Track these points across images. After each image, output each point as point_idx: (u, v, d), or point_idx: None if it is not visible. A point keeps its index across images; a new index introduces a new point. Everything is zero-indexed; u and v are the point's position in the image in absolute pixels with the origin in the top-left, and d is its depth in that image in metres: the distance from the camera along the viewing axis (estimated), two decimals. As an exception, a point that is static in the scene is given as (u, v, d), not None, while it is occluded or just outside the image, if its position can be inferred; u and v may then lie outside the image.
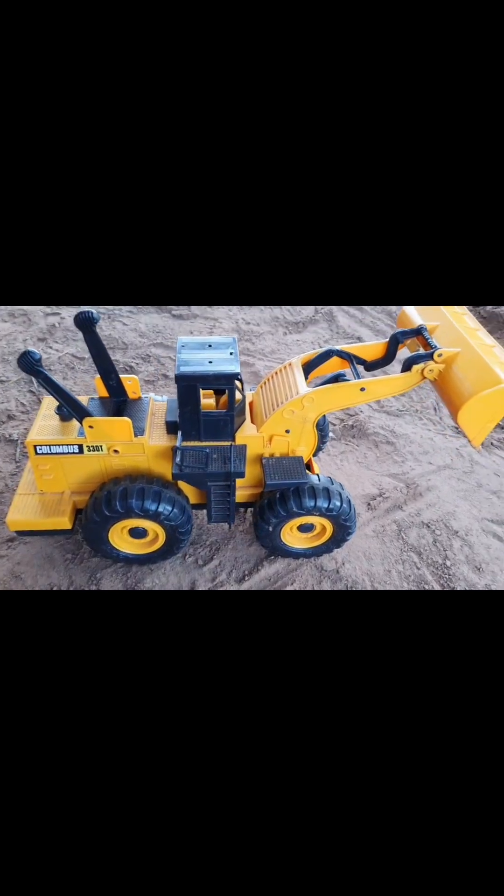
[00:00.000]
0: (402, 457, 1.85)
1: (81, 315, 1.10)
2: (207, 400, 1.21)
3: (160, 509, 1.18)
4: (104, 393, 1.28)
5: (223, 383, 1.09)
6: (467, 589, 1.43)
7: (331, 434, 1.84)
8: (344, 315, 2.65)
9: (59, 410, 1.21)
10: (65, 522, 1.23)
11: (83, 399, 1.25)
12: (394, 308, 2.86)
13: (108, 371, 1.23)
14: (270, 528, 1.28)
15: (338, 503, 1.23)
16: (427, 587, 1.42)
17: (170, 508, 1.20)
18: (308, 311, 2.65)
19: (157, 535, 1.29)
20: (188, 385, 1.08)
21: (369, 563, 1.46)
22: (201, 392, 1.10)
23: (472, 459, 1.91)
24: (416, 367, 1.14)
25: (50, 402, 1.27)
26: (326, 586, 1.38)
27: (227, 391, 1.12)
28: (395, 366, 1.36)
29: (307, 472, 1.24)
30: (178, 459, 1.16)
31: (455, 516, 1.65)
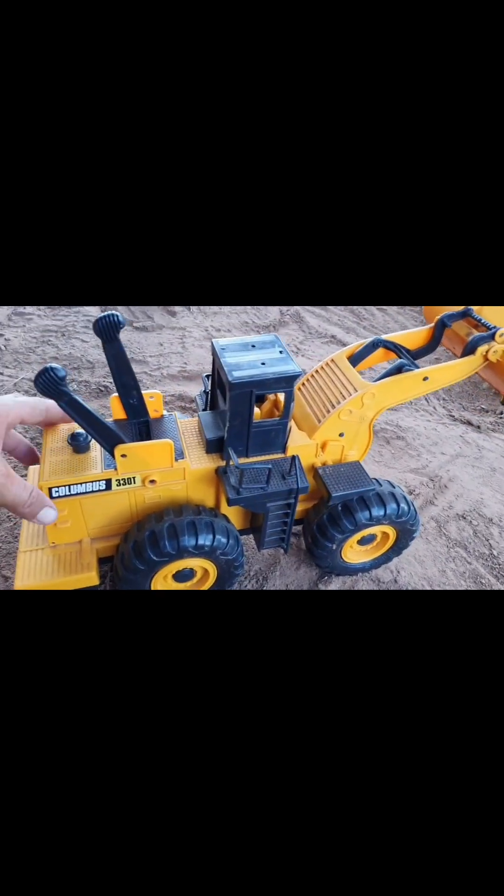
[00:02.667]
0: (416, 451, 1.78)
1: (105, 319, 0.89)
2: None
3: (216, 544, 0.99)
4: (120, 414, 1.05)
5: (283, 386, 0.93)
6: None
7: None
8: (311, 315, 2.58)
9: (72, 441, 0.97)
10: (92, 578, 0.98)
11: None
12: (358, 307, 2.85)
13: (128, 387, 1.01)
14: (335, 546, 1.13)
15: (405, 506, 1.12)
16: (483, 581, 1.34)
17: (225, 541, 1.00)
18: (273, 313, 2.54)
19: (206, 572, 1.09)
20: (242, 393, 0.91)
21: (423, 567, 1.35)
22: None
23: (478, 445, 1.89)
24: (479, 349, 1.06)
25: (56, 434, 1.01)
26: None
27: (285, 396, 0.96)
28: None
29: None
30: (233, 481, 0.97)
31: (484, 504, 1.61)
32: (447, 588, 1.31)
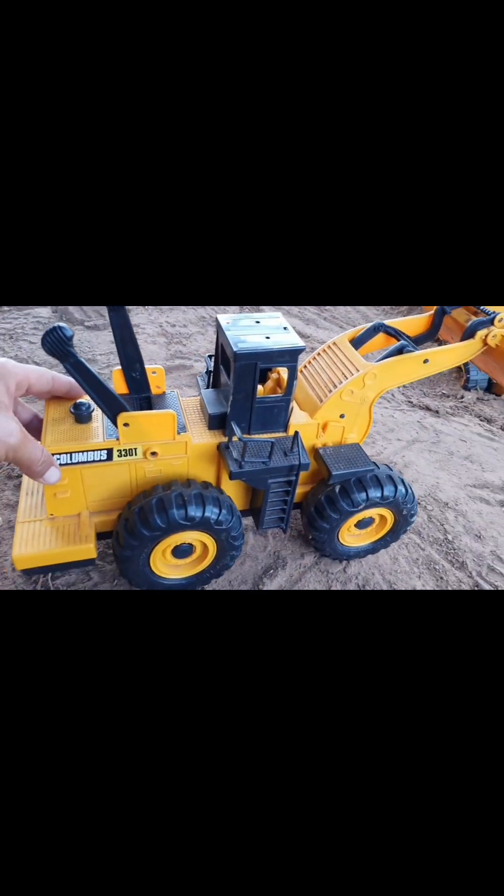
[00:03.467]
0: (371, 438, 1.75)
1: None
2: None
3: (207, 514, 0.98)
4: (122, 389, 1.02)
5: (287, 360, 0.94)
6: (474, 559, 1.34)
7: None
8: (271, 308, 2.55)
9: (75, 410, 0.95)
10: (91, 550, 0.95)
11: None
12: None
13: (132, 360, 0.98)
14: (332, 528, 1.14)
15: (402, 489, 1.13)
16: (437, 567, 1.31)
17: (217, 511, 0.99)
18: (233, 309, 2.51)
19: (205, 547, 1.08)
20: (247, 365, 0.91)
21: (375, 556, 1.31)
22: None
23: (436, 429, 1.88)
24: (479, 334, 1.09)
25: (59, 405, 0.98)
26: (338, 588, 1.21)
27: (289, 371, 0.97)
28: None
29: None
30: (236, 455, 0.97)
31: (440, 488, 1.59)
32: (400, 576, 1.28)
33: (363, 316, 2.92)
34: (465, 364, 2.28)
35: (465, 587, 1.29)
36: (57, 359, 0.82)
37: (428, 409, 2.04)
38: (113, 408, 0.90)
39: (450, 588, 1.28)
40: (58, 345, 0.80)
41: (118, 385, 1.02)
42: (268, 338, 0.94)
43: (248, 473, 0.97)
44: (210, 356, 1.11)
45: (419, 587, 1.26)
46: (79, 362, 0.84)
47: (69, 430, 0.94)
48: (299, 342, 0.94)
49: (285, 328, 0.97)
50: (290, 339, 0.94)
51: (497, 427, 2.15)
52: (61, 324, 0.81)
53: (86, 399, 0.97)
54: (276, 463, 0.98)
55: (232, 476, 0.95)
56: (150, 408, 1.02)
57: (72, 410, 0.95)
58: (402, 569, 1.33)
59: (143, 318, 2.34)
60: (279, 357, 0.92)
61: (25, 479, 1.07)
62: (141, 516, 0.95)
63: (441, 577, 1.31)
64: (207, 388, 1.10)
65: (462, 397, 2.25)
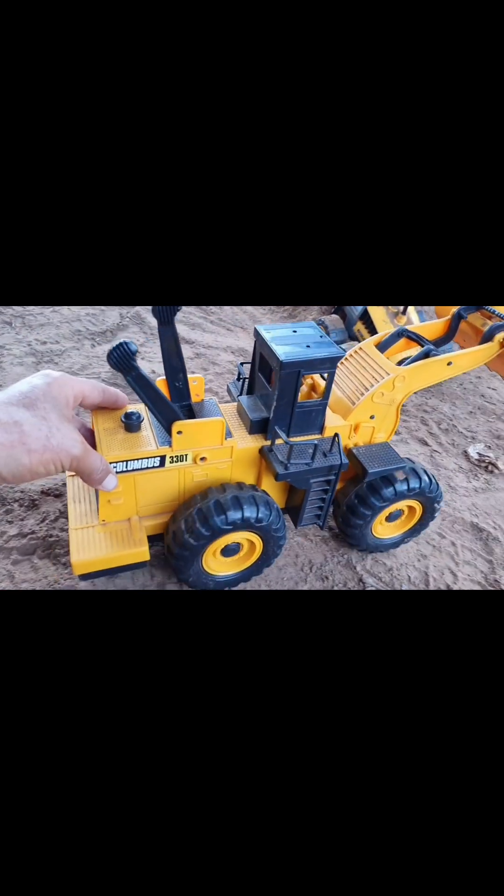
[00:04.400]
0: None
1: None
2: None
3: (260, 515, 1.05)
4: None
5: (327, 367, 1.02)
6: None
7: None
8: (152, 316, 2.56)
9: (126, 419, 1.00)
10: (144, 553, 1.02)
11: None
12: (212, 307, 2.85)
13: (176, 370, 1.04)
14: (364, 522, 1.23)
15: (426, 479, 1.21)
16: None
17: (268, 513, 1.07)
18: (112, 317, 2.47)
19: (252, 546, 1.15)
20: (291, 373, 0.99)
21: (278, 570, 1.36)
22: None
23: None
24: (497, 337, 1.19)
25: (107, 416, 1.03)
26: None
27: (328, 377, 1.04)
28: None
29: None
30: (281, 457, 1.05)
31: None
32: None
33: (251, 317, 2.94)
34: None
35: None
36: (121, 372, 0.89)
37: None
38: (168, 417, 0.97)
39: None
40: (123, 359, 0.87)
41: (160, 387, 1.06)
42: (308, 346, 1.01)
43: (293, 474, 1.04)
44: (243, 363, 1.20)
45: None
46: (140, 375, 0.90)
47: (123, 439, 0.99)
48: (338, 350, 1.01)
49: (321, 336, 1.05)
50: (330, 348, 1.01)
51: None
52: (127, 340, 0.87)
53: (134, 409, 1.03)
54: (318, 464, 1.05)
55: (278, 477, 1.02)
56: (192, 415, 1.08)
57: (123, 420, 1.00)
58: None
59: (10, 338, 2.09)
60: (321, 364, 0.99)
61: (71, 488, 1.11)
62: (200, 517, 1.01)
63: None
64: (241, 394, 1.17)
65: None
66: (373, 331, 2.35)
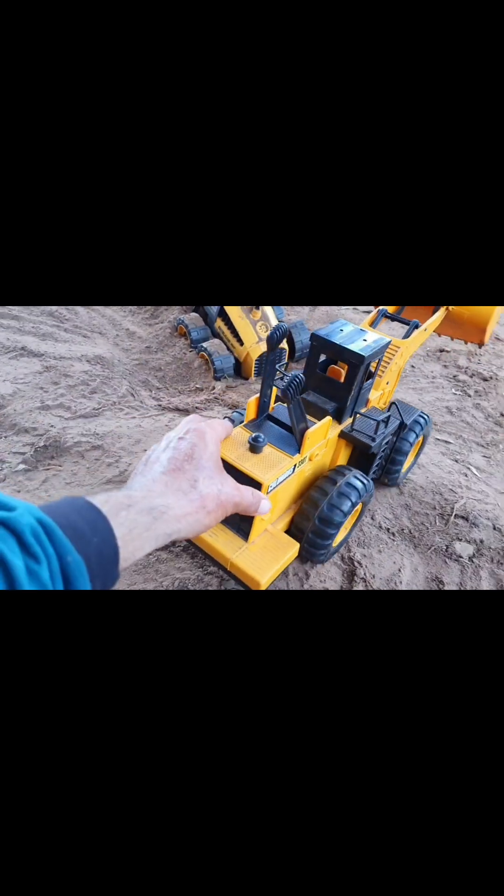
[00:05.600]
0: (115, 456, 1.66)
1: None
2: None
3: (366, 482, 1.29)
4: (253, 414, 1.21)
5: (383, 355, 1.28)
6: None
7: (22, 465, 1.51)
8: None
9: (253, 441, 1.09)
10: (297, 547, 1.17)
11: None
12: (60, 308, 2.61)
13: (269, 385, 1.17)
14: (403, 461, 1.54)
15: (426, 419, 1.58)
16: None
17: (365, 479, 1.31)
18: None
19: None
20: (367, 364, 1.20)
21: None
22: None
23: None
24: (440, 308, 1.57)
25: (229, 444, 1.11)
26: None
27: (378, 362, 1.32)
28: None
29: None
30: (369, 432, 1.29)
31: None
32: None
33: (110, 321, 2.79)
34: (211, 357, 2.38)
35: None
36: (286, 400, 0.99)
37: (177, 409, 2.05)
38: (303, 427, 1.11)
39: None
40: (296, 390, 0.97)
41: (251, 412, 1.20)
42: (365, 340, 1.21)
43: (378, 443, 1.29)
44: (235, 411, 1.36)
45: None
46: (297, 401, 1.03)
47: (260, 460, 1.08)
48: (387, 338, 1.26)
49: (362, 330, 1.26)
50: (380, 338, 1.23)
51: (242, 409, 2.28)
52: (298, 372, 0.98)
53: (251, 433, 1.12)
54: (391, 428, 1.35)
55: (372, 449, 1.26)
56: (273, 422, 1.21)
57: (250, 442, 1.09)
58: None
59: None
60: (381, 353, 1.24)
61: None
62: (329, 509, 1.21)
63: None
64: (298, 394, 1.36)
65: (213, 388, 2.33)
66: (231, 327, 2.38)
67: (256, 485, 1.05)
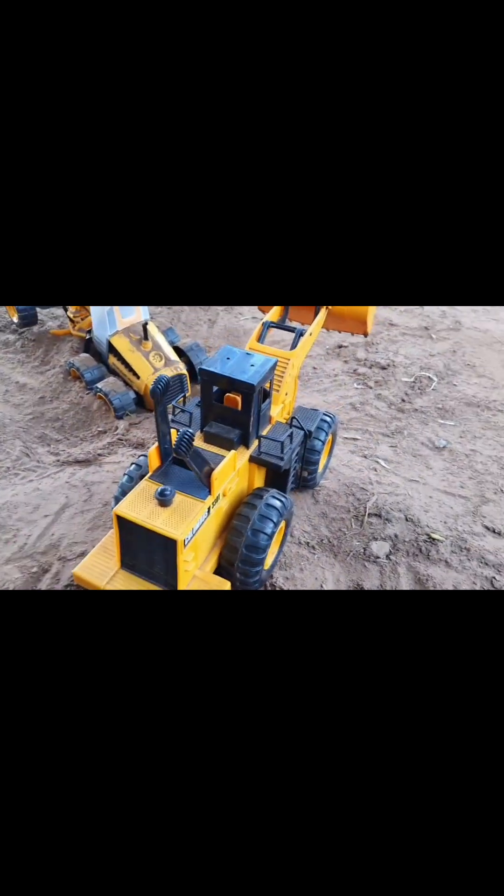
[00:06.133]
0: (13, 529, 1.55)
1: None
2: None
3: (284, 501, 1.31)
4: (157, 463, 1.20)
5: (272, 376, 1.32)
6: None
7: None
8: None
9: (160, 496, 1.08)
10: (226, 584, 1.19)
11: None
12: None
13: (164, 434, 1.18)
14: (319, 461, 1.57)
15: (331, 419, 1.63)
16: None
17: (284, 497, 1.33)
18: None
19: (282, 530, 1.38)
20: (259, 390, 1.23)
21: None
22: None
23: (87, 483, 1.78)
24: (322, 308, 1.62)
25: (136, 506, 1.10)
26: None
27: (271, 382, 1.34)
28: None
29: None
30: (276, 453, 1.30)
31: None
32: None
33: None
34: (108, 397, 2.29)
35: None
36: (184, 455, 1.00)
37: (77, 462, 1.95)
38: (207, 471, 1.10)
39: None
40: (187, 447, 0.98)
41: (153, 458, 1.18)
42: (252, 365, 1.23)
43: (287, 459, 1.30)
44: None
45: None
46: (193, 453, 1.02)
47: (172, 513, 1.07)
48: (273, 358, 1.28)
49: (248, 354, 1.28)
50: (266, 360, 1.25)
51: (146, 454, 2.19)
52: (189, 430, 0.99)
53: (158, 485, 1.11)
54: (296, 442, 1.36)
55: (282, 468, 1.28)
56: (179, 464, 1.19)
57: (157, 497, 1.07)
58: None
59: None
60: (270, 374, 1.25)
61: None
62: (254, 535, 1.20)
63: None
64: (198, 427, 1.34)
65: (117, 428, 2.24)
66: (125, 362, 2.31)
67: (171, 542, 1.05)
